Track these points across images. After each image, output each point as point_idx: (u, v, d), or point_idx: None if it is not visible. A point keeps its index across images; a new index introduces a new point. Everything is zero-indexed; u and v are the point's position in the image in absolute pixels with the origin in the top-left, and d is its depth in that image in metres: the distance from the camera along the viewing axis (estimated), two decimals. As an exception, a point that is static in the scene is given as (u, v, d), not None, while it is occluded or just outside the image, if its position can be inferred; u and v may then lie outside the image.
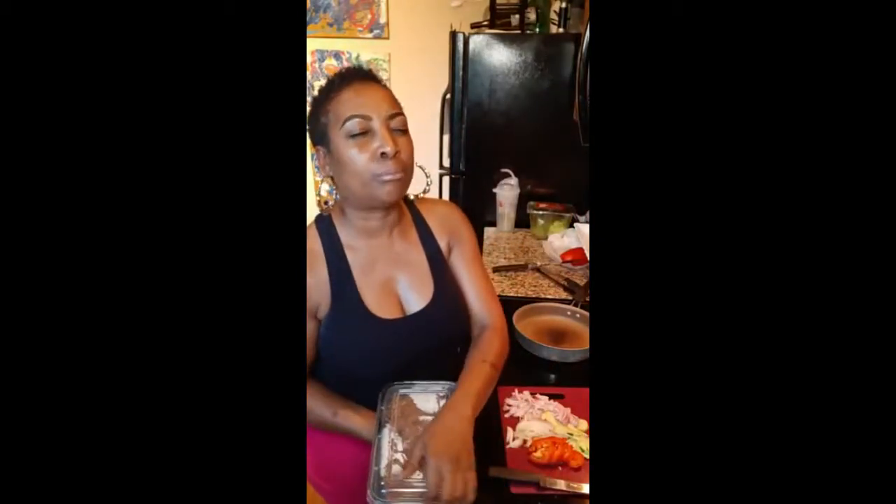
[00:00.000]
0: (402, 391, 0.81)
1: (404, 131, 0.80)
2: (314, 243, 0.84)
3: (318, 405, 0.81)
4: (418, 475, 0.66)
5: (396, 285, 0.87)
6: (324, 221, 0.88)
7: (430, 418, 0.75)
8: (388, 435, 0.73)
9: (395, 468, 0.68)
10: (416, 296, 0.87)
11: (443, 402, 0.78)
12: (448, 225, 0.94)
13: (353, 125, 0.77)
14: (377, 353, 0.83)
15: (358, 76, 0.80)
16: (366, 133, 0.77)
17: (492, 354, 0.86)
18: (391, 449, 0.71)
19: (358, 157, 0.77)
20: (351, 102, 0.78)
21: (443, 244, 0.93)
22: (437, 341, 0.86)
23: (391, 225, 0.88)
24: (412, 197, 0.94)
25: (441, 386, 0.82)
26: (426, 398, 0.80)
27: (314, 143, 0.83)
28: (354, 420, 0.80)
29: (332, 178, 0.83)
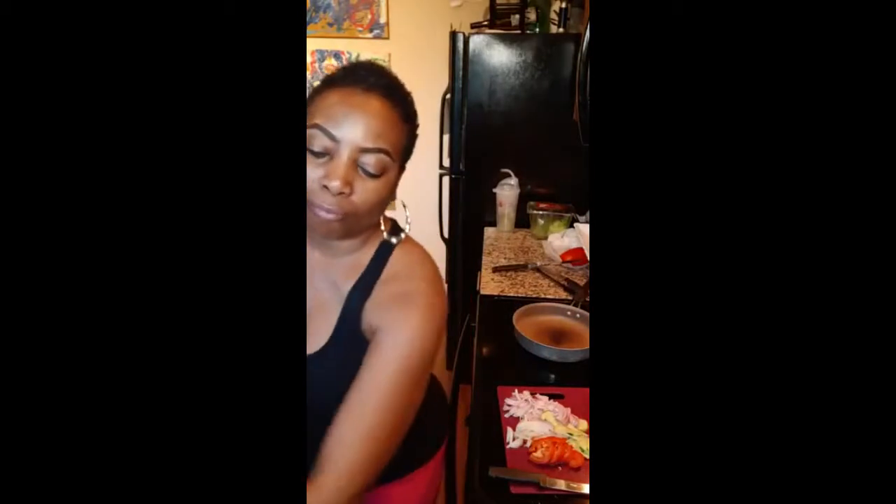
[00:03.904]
0: None
1: (376, 175, 0.61)
2: None
3: None
4: None
5: None
6: None
7: None
8: None
9: None
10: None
11: None
12: (402, 281, 0.68)
13: (314, 136, 0.60)
14: None
15: (363, 82, 0.62)
16: (324, 154, 0.60)
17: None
18: None
19: (307, 167, 0.60)
20: (328, 109, 0.60)
21: (378, 296, 0.68)
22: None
23: (345, 249, 0.69)
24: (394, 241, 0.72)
25: None
26: None
27: None
28: None
29: None
